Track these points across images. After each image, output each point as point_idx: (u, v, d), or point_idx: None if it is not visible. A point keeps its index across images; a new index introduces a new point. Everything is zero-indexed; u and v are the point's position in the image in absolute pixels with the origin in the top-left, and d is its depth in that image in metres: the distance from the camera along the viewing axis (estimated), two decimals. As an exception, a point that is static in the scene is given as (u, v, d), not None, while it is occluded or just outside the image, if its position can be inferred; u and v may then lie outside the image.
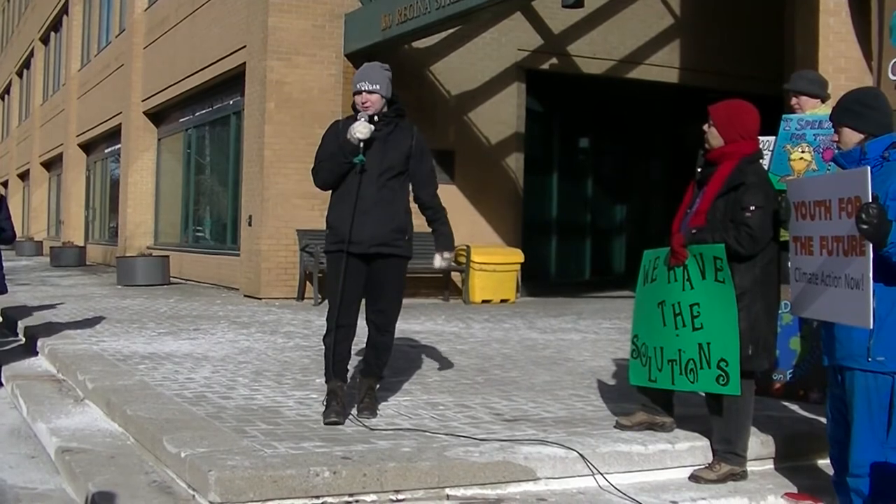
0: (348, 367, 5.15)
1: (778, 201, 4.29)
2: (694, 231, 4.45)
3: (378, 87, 5.00)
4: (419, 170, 5.14)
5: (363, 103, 5.00)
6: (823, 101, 5.76)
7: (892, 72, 7.54)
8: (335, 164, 5.00)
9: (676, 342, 4.46)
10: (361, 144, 4.91)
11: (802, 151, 5.35)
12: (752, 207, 4.29)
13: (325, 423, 4.80)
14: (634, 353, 4.78)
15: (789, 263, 4.04)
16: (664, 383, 4.56)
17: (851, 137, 3.74)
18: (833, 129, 3.91)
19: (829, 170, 5.14)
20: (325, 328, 5.08)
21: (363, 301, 5.12)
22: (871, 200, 3.34)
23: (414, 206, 5.19)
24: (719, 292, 4.29)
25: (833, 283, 3.58)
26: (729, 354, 4.26)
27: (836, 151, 3.81)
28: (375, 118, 4.98)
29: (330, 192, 5.15)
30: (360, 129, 4.90)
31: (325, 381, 5.05)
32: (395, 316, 5.19)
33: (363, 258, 4.99)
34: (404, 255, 5.10)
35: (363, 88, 4.99)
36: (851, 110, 3.76)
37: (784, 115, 5.57)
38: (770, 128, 5.46)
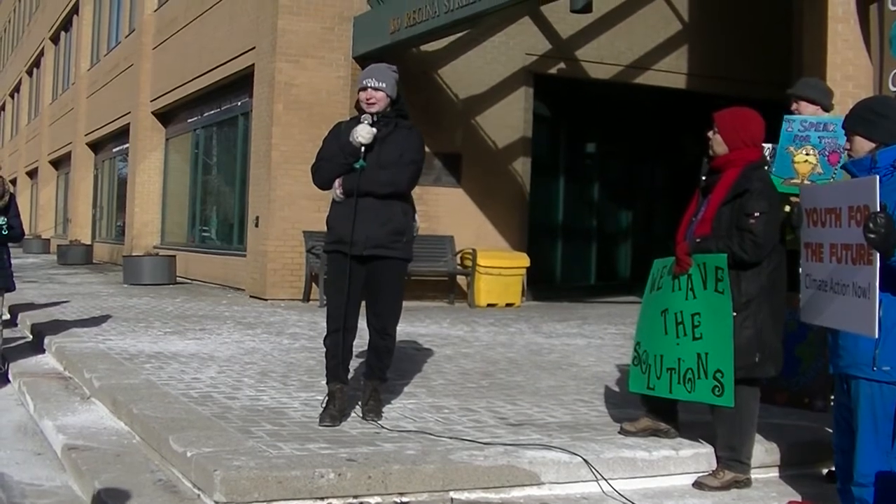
0: (352, 369, 5.15)
1: (787, 208, 4.28)
2: (699, 240, 4.45)
3: (384, 85, 4.99)
4: (399, 160, 4.93)
5: (368, 99, 4.98)
6: (826, 111, 5.73)
7: (892, 83, 7.52)
8: (335, 164, 4.99)
9: (676, 351, 4.46)
10: (363, 149, 4.91)
11: (807, 154, 5.27)
12: (757, 214, 4.29)
13: (320, 426, 4.81)
14: (636, 359, 4.78)
15: (800, 270, 4.02)
16: (662, 391, 4.55)
17: (863, 145, 3.72)
18: (842, 134, 3.85)
19: (834, 174, 5.12)
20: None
21: (364, 303, 5.11)
22: (879, 210, 3.34)
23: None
24: (717, 303, 4.29)
25: (841, 290, 3.58)
26: (724, 365, 4.26)
27: (847, 159, 3.80)
28: (376, 117, 4.94)
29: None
30: (363, 134, 4.88)
31: (326, 383, 5.06)
32: (395, 319, 5.15)
33: (360, 260, 4.96)
34: (402, 258, 5.06)
35: (369, 85, 4.98)
36: (864, 118, 3.74)
37: (786, 116, 5.50)
38: (777, 133, 5.44)
